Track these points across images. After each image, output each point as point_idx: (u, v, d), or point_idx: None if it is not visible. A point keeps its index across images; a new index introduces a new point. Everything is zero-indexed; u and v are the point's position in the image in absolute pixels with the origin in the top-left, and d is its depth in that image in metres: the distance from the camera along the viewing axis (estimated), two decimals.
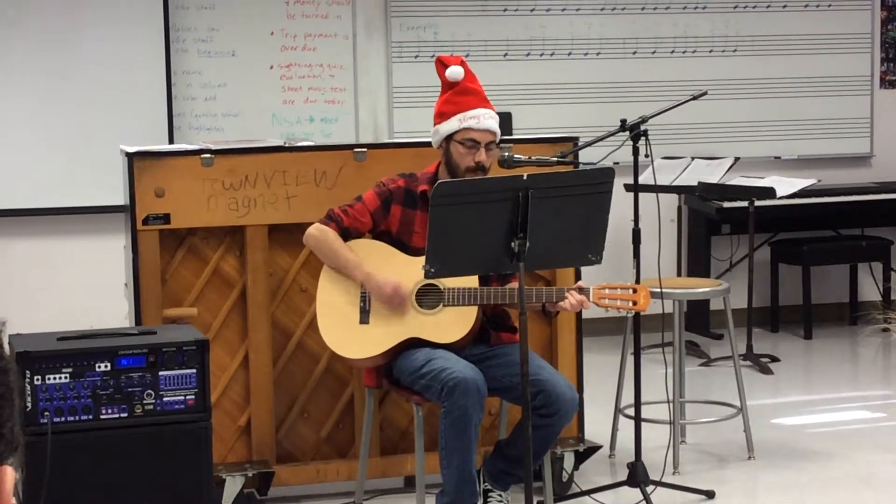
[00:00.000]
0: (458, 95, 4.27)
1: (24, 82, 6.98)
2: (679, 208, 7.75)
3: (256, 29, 7.32)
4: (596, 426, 5.19)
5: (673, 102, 4.87)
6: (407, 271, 4.27)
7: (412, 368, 4.20)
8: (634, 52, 7.83)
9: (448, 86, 4.30)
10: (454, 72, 4.28)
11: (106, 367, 3.77)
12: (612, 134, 4.64)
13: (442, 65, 4.32)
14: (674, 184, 7.26)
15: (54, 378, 3.72)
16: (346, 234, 4.35)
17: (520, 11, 7.66)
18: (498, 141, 4.31)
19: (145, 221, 4.56)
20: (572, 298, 4.13)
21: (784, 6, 8.00)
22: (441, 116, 4.29)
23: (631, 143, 4.57)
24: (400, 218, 4.35)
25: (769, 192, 6.93)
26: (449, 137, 4.26)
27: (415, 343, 4.27)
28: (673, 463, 5.03)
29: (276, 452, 4.72)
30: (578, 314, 4.81)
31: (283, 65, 7.36)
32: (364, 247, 4.36)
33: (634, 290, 4.19)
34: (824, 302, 8.10)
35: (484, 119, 4.25)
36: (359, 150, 4.76)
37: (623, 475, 4.75)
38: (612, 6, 7.77)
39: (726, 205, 7.43)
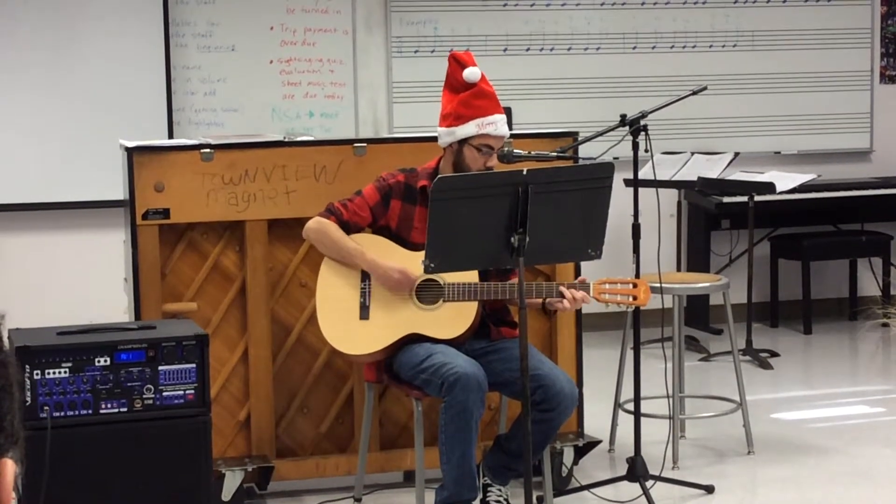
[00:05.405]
0: (476, 98, 4.25)
1: (24, 77, 6.97)
2: (679, 203, 7.75)
3: (256, 24, 7.32)
4: (595, 421, 5.19)
5: (673, 97, 4.86)
6: (406, 267, 4.26)
7: (413, 363, 4.20)
8: (634, 48, 7.83)
9: (463, 86, 4.27)
10: (472, 73, 4.26)
11: (105, 361, 3.77)
12: (612, 129, 4.63)
13: (457, 62, 4.28)
14: (673, 179, 7.27)
15: (54, 372, 3.72)
16: (346, 228, 4.34)
17: (520, 7, 7.65)
18: None
19: (145, 216, 4.56)
20: (569, 297, 4.12)
21: (784, 1, 8.00)
22: (458, 119, 4.25)
23: (631, 138, 4.56)
24: (399, 213, 4.35)
25: (769, 187, 6.93)
26: (463, 140, 4.27)
27: (415, 338, 4.27)
28: (672, 458, 5.04)
29: (275, 447, 4.72)
30: (578, 309, 4.81)
31: (282, 59, 7.36)
32: (364, 241, 4.35)
33: (634, 285, 4.19)
34: (824, 297, 8.10)
35: (500, 126, 4.26)
36: (358, 144, 4.76)
37: (622, 470, 4.75)
38: (612, 1, 7.77)
39: (726, 200, 7.44)
